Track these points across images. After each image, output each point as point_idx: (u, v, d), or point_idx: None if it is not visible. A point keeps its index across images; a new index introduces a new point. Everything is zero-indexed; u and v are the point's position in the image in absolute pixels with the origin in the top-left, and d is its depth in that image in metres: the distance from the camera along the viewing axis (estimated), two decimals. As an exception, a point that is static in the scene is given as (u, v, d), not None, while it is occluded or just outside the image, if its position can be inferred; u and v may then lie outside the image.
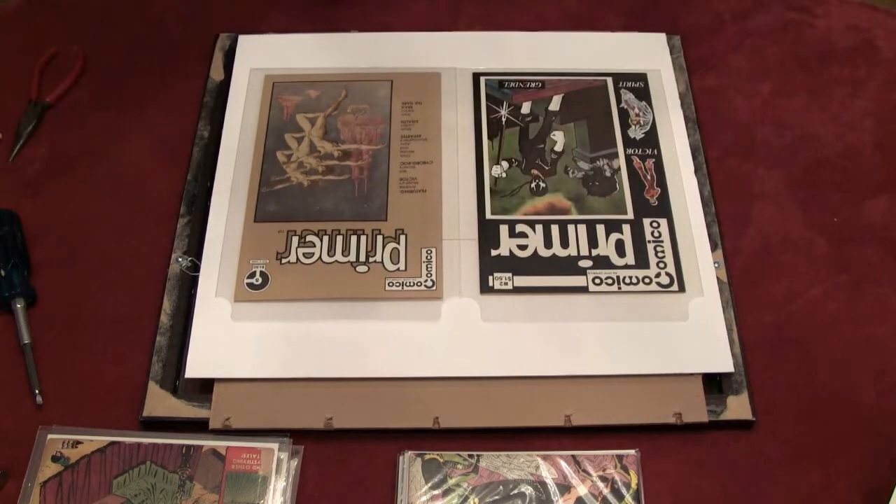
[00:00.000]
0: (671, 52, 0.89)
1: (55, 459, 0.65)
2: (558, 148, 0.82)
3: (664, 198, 0.79)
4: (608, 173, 0.80)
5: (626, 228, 0.76)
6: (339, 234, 0.76)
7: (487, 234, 0.76)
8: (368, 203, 0.78)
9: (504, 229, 0.76)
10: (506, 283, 0.73)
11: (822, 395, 0.71)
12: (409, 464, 0.66)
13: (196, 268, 0.75)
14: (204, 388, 0.70)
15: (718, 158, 0.83)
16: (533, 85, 0.86)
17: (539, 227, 0.76)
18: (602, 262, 0.74)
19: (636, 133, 0.83)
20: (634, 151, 0.81)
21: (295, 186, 0.79)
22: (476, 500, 0.64)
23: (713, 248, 0.76)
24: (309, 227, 0.76)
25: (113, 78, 0.89)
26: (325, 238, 0.75)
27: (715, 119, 0.86)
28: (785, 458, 0.68)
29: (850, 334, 0.73)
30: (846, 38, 0.92)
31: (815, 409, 0.70)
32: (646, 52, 0.89)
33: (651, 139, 0.82)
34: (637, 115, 0.84)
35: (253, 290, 0.73)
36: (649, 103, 0.85)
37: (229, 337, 0.71)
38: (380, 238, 0.75)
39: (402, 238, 0.76)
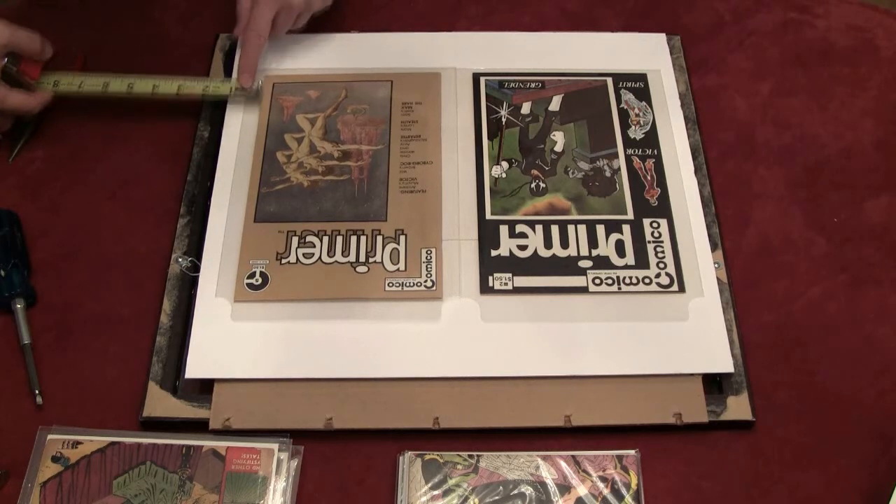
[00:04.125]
0: (671, 53, 0.89)
1: (55, 460, 0.65)
2: (558, 148, 0.82)
3: (664, 198, 0.79)
4: (608, 173, 0.80)
5: (626, 229, 0.76)
6: (339, 234, 0.76)
7: (487, 234, 0.76)
8: (368, 203, 0.78)
9: (504, 229, 0.76)
10: (506, 284, 0.73)
11: (822, 395, 0.71)
12: (409, 464, 0.66)
13: (196, 268, 0.75)
14: (204, 389, 0.70)
15: (718, 158, 0.83)
16: (533, 85, 0.86)
17: (539, 228, 0.76)
18: (602, 263, 0.74)
19: (636, 133, 0.83)
20: (634, 151, 0.81)
21: (295, 187, 0.79)
22: (476, 500, 0.64)
23: (713, 248, 0.76)
24: (309, 228, 0.76)
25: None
26: (325, 238, 0.75)
27: (715, 119, 0.86)
28: (785, 458, 0.68)
29: (850, 334, 0.73)
30: (846, 38, 0.92)
31: (815, 409, 0.70)
32: (646, 53, 0.89)
33: (651, 139, 0.82)
34: (637, 115, 0.84)
35: (253, 290, 0.73)
36: (649, 103, 0.85)
37: (229, 337, 0.71)
38: (380, 238, 0.75)
39: (402, 238, 0.76)
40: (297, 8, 0.82)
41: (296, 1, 0.81)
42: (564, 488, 0.65)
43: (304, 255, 0.75)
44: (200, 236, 0.77)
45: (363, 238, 0.76)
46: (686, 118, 0.84)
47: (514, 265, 0.74)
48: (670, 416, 0.68)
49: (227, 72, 0.87)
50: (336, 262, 0.74)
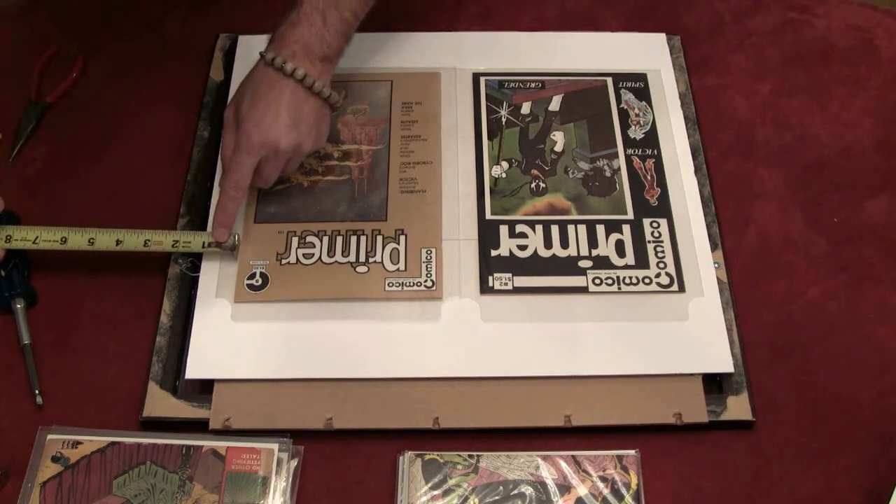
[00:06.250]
0: (671, 52, 0.89)
1: (55, 460, 0.65)
2: (558, 148, 0.82)
3: (664, 198, 0.79)
4: (608, 173, 0.80)
5: (626, 228, 0.76)
6: (339, 234, 0.76)
7: (487, 234, 0.76)
8: (368, 203, 0.78)
9: (504, 229, 0.76)
10: (506, 284, 0.73)
11: (822, 395, 0.71)
12: (409, 464, 0.66)
13: (196, 268, 0.75)
14: (204, 389, 0.70)
15: (718, 158, 0.83)
16: (533, 85, 0.86)
17: (539, 228, 0.76)
18: (602, 263, 0.74)
19: (636, 133, 0.83)
20: (634, 151, 0.81)
21: (295, 187, 0.79)
22: (476, 500, 0.64)
23: (713, 248, 0.76)
24: (309, 228, 0.76)
25: (113, 78, 0.89)
26: (325, 238, 0.75)
27: (715, 119, 0.86)
28: (785, 458, 0.68)
29: (850, 334, 0.73)
30: (846, 38, 0.92)
31: (815, 409, 0.70)
32: (646, 52, 0.89)
33: (651, 139, 0.82)
34: (637, 115, 0.84)
35: (253, 290, 0.73)
36: (649, 103, 0.85)
37: (229, 337, 0.71)
38: (379, 238, 0.75)
39: (402, 238, 0.76)
40: (284, 154, 0.72)
41: (283, 146, 0.71)
42: (564, 488, 0.65)
43: (304, 255, 0.75)
44: (200, 236, 0.77)
45: (363, 238, 0.76)
46: (686, 118, 0.84)
47: (514, 265, 0.74)
48: (670, 416, 0.68)
49: (228, 71, 0.87)
50: (336, 262, 0.74)
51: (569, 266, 0.74)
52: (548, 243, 0.76)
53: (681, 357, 0.70)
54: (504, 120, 0.84)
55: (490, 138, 0.82)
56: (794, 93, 0.88)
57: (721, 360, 0.70)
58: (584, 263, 0.74)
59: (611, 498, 0.64)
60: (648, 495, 0.65)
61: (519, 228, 0.76)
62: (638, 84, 0.86)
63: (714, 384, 0.71)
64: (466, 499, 0.64)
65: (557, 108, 0.84)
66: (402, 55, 0.88)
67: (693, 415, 0.68)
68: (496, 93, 0.85)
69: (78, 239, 0.72)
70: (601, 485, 0.65)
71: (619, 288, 0.73)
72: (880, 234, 0.79)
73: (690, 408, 0.68)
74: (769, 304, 0.75)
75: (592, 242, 0.76)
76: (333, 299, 0.73)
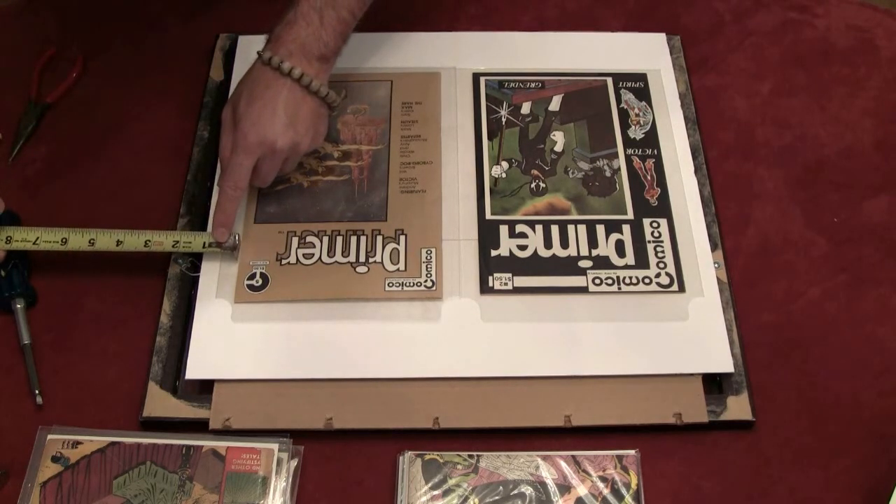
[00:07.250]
0: (671, 52, 0.89)
1: (55, 460, 0.65)
2: (558, 148, 0.82)
3: (664, 198, 0.79)
4: (608, 173, 0.80)
5: (626, 228, 0.76)
6: (339, 234, 0.76)
7: (487, 234, 0.76)
8: (368, 203, 0.78)
9: (504, 229, 0.76)
10: (506, 284, 0.73)
11: (822, 395, 0.71)
12: (409, 464, 0.66)
13: (196, 268, 0.75)
14: (204, 389, 0.70)
15: (718, 158, 0.83)
16: (533, 85, 0.86)
17: (539, 228, 0.76)
18: (602, 263, 0.74)
19: (636, 133, 0.83)
20: (634, 151, 0.81)
21: (295, 187, 0.79)
22: (476, 500, 0.64)
23: (713, 248, 0.76)
24: (309, 228, 0.76)
25: (113, 78, 0.89)
26: (325, 239, 0.75)
27: (715, 119, 0.86)
28: (785, 458, 0.68)
29: (850, 334, 0.73)
30: (846, 38, 0.92)
31: (814, 409, 0.70)
32: (646, 52, 0.89)
33: (651, 139, 0.82)
34: (637, 115, 0.84)
35: (253, 291, 0.73)
36: (649, 103, 0.85)
37: (229, 338, 0.71)
38: (379, 238, 0.75)
39: (402, 238, 0.76)
40: (281, 153, 0.72)
41: (280, 145, 0.71)
42: (564, 488, 0.65)
43: (304, 255, 0.75)
44: (200, 236, 0.77)
45: (363, 238, 0.76)
46: (686, 118, 0.84)
47: (514, 265, 0.74)
48: (670, 416, 0.68)
49: (228, 71, 0.87)
50: (336, 262, 0.74)
51: (569, 266, 0.74)
52: (548, 243, 0.76)
53: (681, 357, 0.70)
54: (504, 120, 0.84)
55: (490, 138, 0.82)
56: (794, 93, 0.88)
57: (721, 360, 0.70)
58: (584, 263, 0.74)
59: (611, 498, 0.64)
60: (648, 495, 0.65)
61: (519, 228, 0.76)
62: (638, 84, 0.86)
63: (714, 384, 0.71)
64: (466, 499, 0.64)
65: (557, 108, 0.84)
66: (401, 55, 0.88)
67: (693, 415, 0.68)
68: (496, 93, 0.85)
69: (78, 240, 0.72)
70: (601, 485, 0.65)
71: (619, 288, 0.73)
72: (880, 234, 0.79)
73: (690, 408, 0.68)
74: (769, 304, 0.75)
75: (592, 242, 0.76)
76: (333, 299, 0.73)
